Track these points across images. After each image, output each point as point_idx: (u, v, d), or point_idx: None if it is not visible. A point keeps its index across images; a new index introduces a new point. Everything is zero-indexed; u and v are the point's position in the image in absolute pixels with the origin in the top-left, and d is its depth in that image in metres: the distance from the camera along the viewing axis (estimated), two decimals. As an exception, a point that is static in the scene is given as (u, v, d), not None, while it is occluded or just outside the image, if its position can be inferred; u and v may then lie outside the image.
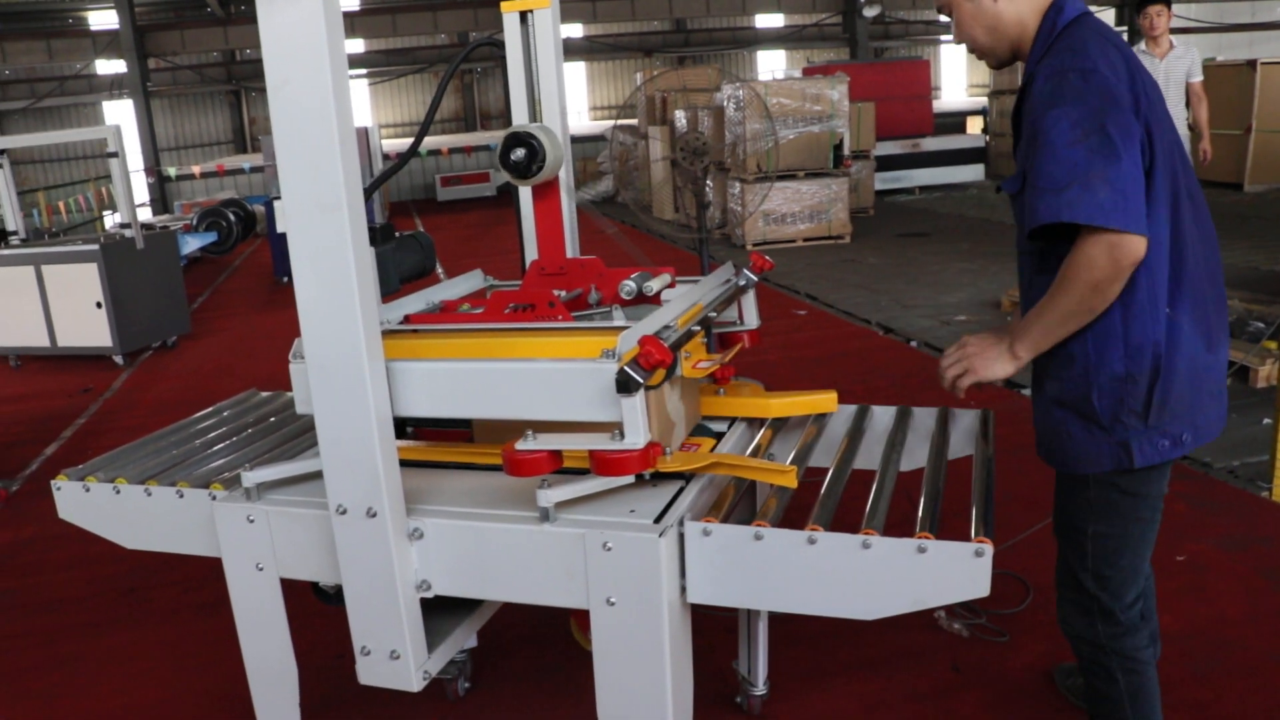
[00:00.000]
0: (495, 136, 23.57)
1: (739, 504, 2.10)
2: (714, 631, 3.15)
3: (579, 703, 3.03)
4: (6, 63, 22.81)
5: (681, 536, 1.86)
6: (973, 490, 2.07)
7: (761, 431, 2.36)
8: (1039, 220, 1.97)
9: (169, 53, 22.76)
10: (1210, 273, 2.11)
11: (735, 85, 11.82)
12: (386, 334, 1.94)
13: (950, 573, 1.77)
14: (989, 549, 1.75)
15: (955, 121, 23.29)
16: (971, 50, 2.28)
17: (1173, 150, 2.05)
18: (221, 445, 2.65)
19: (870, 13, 22.45)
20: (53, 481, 2.53)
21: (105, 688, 3.39)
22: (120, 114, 25.60)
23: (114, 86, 24.93)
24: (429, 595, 1.98)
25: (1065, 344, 2.07)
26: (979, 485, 2.10)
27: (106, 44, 22.01)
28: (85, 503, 2.49)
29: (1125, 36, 22.39)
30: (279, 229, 10.82)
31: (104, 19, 24.27)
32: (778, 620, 3.15)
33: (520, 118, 2.47)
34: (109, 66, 24.44)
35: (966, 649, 3.19)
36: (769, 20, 27.64)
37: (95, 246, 8.10)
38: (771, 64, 30.06)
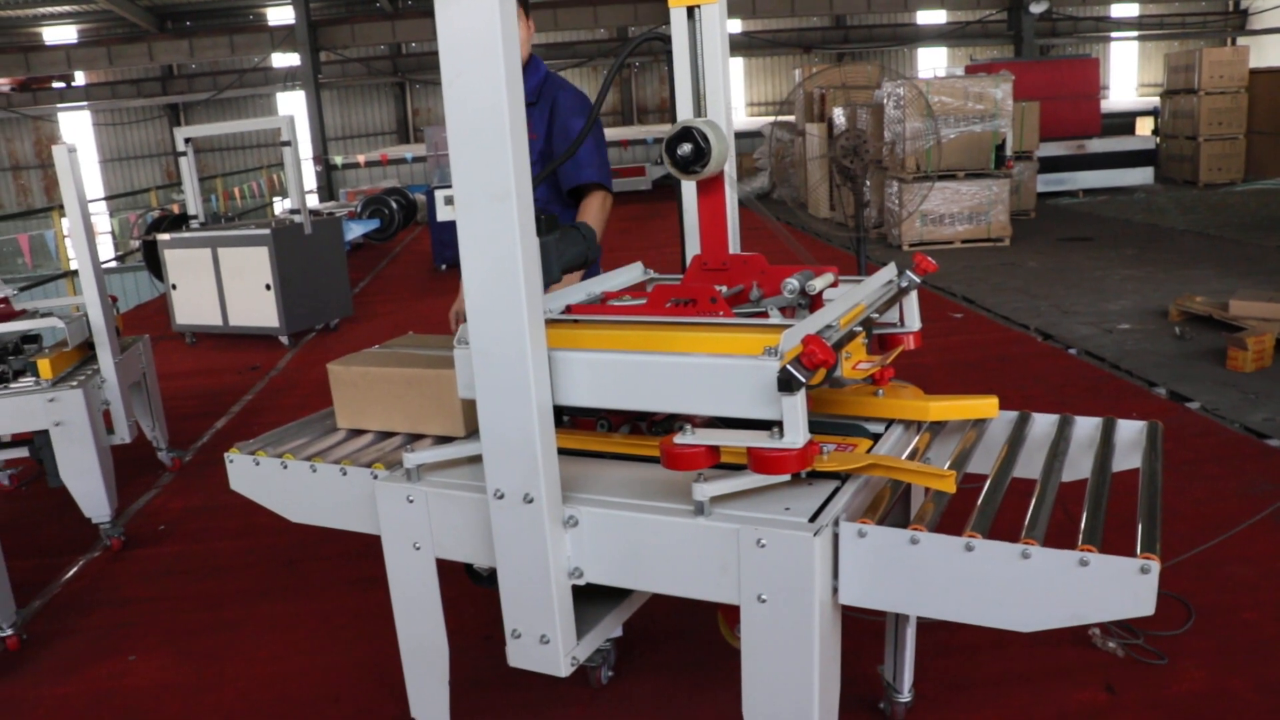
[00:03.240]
0: (652, 131, 23.71)
1: (894, 507, 2.06)
2: (860, 635, 3.10)
3: (721, 698, 3.03)
4: (194, 57, 24.04)
5: (836, 537, 1.83)
6: (1139, 505, 1.99)
7: (919, 435, 2.31)
8: (584, 179, 3.45)
9: (339, 46, 23.62)
10: None
11: (896, 83, 11.61)
12: (548, 323, 1.97)
13: (1113, 589, 1.70)
14: (1155, 566, 1.67)
15: (1124, 122, 22.39)
16: None
17: None
18: (383, 426, 2.73)
19: (1037, 9, 21.76)
20: (226, 454, 2.65)
21: (263, 653, 3.54)
22: (292, 105, 26.70)
23: (288, 79, 26.01)
24: (580, 582, 2.01)
25: None
26: (1145, 500, 2.02)
27: (283, 38, 22.98)
28: (255, 475, 2.60)
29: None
30: (440, 218, 11.16)
31: (281, 14, 25.33)
32: (926, 627, 3.09)
33: (685, 113, 2.47)
34: (283, 60, 25.50)
35: (1122, 670, 3.07)
36: (931, 17, 27.01)
37: (267, 231, 8.47)
38: (932, 61, 29.40)
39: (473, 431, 2.41)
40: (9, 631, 3.66)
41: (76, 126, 28.92)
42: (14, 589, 3.70)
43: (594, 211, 3.46)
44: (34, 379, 4.37)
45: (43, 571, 4.38)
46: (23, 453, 4.52)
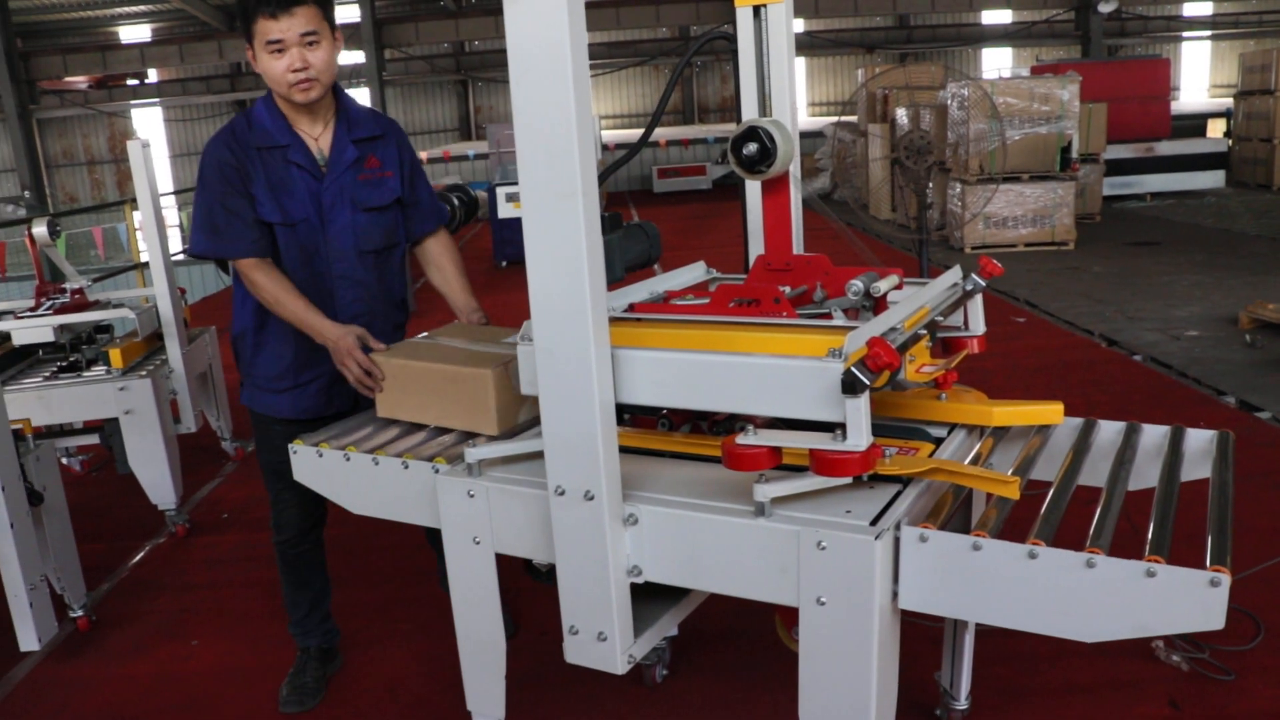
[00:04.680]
0: (713, 130, 23.69)
1: (956, 513, 2.05)
2: (917, 640, 3.08)
3: (775, 699, 3.02)
4: (261, 53, 24.43)
5: (897, 541, 1.82)
6: (1208, 516, 1.95)
7: (982, 440, 2.29)
8: (445, 217, 3.24)
9: (404, 44, 23.87)
10: None
11: (960, 83, 11.49)
12: (612, 321, 1.97)
13: (1180, 601, 1.67)
14: (1226, 579, 1.64)
15: (1194, 124, 21.92)
16: (310, 81, 2.83)
17: None
18: (445, 421, 2.75)
19: (1106, 8, 21.41)
20: (290, 445, 2.69)
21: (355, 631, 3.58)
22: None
23: (353, 75, 26.26)
24: (639, 581, 2.01)
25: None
26: (1215, 511, 1.97)
27: (348, 36, 23.24)
28: (318, 467, 2.63)
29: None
30: (501, 215, 11.26)
31: (347, 12, 25.61)
32: (984, 634, 3.05)
33: (750, 113, 2.47)
34: (349, 57, 25.79)
35: (1186, 684, 3.01)
36: (996, 16, 26.68)
37: (331, 226, 8.55)
38: (997, 62, 29.04)
39: (529, 426, 2.43)
40: (79, 612, 3.75)
41: (149, 122, 29.50)
42: (84, 571, 3.79)
43: (451, 245, 3.27)
44: (105, 368, 4.47)
45: (111, 555, 4.48)
46: (93, 439, 4.62)
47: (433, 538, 3.13)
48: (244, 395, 3.12)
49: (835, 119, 15.99)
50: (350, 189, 2.92)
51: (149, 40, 26.38)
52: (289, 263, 2.92)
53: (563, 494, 1.94)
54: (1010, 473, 2.02)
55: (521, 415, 2.54)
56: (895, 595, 1.85)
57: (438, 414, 2.61)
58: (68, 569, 3.67)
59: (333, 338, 2.77)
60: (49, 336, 4.58)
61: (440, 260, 3.22)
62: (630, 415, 2.35)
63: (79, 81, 26.43)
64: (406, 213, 3.10)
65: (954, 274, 2.37)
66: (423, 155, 22.68)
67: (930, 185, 7.98)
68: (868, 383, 1.67)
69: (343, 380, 2.83)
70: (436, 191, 16.02)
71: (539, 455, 2.00)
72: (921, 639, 3.08)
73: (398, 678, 3.32)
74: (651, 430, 2.32)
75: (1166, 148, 16.10)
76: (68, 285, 4.97)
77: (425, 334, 2.94)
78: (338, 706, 3.20)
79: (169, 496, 4.58)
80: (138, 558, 4.48)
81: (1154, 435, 2.38)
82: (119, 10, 26.31)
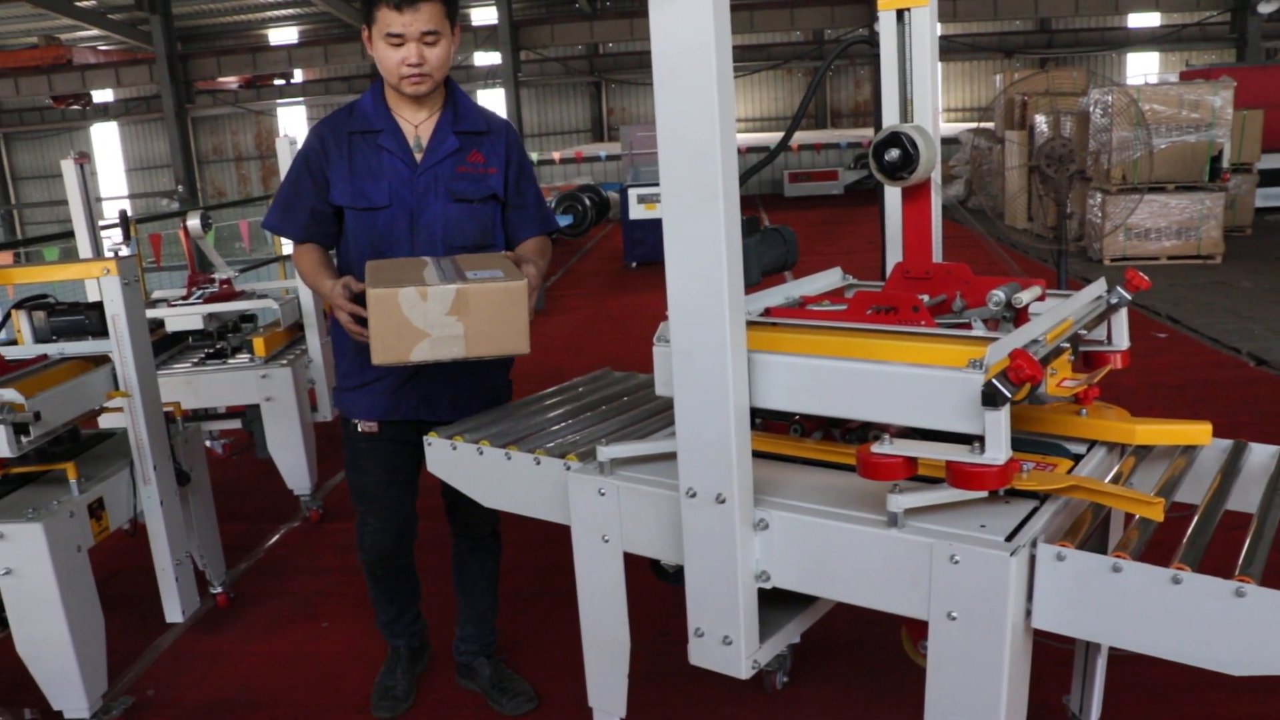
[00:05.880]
0: (845, 135, 23.41)
1: (1094, 533, 1.99)
2: (1045, 661, 2.99)
3: (897, 713, 2.98)
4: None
5: (1033, 558, 1.78)
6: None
7: (1123, 459, 2.22)
8: (553, 225, 3.13)
9: (539, 45, 24.22)
10: None
11: (1105, 89, 11.13)
12: (748, 325, 1.97)
13: (1340, 639, 1.59)
14: (1393, 620, 1.56)
15: (1361, 134, 20.81)
16: (423, 76, 2.77)
17: None
18: (575, 419, 2.79)
19: (1267, 9, 20.42)
20: (425, 437, 2.75)
21: (444, 631, 3.65)
22: (492, 101, 27.48)
23: (488, 76, 26.79)
24: (767, 586, 2.01)
25: None
26: (1381, 545, 1.88)
27: (485, 38, 23.72)
28: (451, 459, 2.69)
29: None
30: (632, 216, 11.30)
31: (484, 15, 26.10)
32: (1116, 660, 2.95)
33: (891, 117, 2.44)
34: (485, 58, 26.29)
35: (1339, 728, 2.87)
36: (1143, 20, 25.76)
37: (465, 224, 8.73)
38: (1141, 68, 28.02)
39: (667, 428, 2.43)
40: (219, 589, 3.92)
41: (293, 121, 30.56)
42: (224, 550, 3.96)
43: (545, 244, 3.06)
44: (249, 356, 4.65)
45: (249, 536, 4.66)
46: (235, 424, 4.83)
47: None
48: (333, 397, 3.10)
49: (971, 125, 15.64)
50: (446, 179, 2.85)
51: (296, 42, 27.36)
52: (359, 249, 2.86)
53: (694, 496, 1.95)
54: (1153, 493, 1.96)
55: (415, 355, 2.38)
56: (1029, 614, 1.81)
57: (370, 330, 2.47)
58: (210, 547, 3.83)
59: (326, 292, 2.75)
60: (199, 324, 4.79)
61: (527, 245, 2.99)
62: (762, 420, 2.35)
63: (230, 82, 27.54)
64: (510, 215, 2.99)
65: (1098, 286, 2.30)
66: (555, 155, 22.99)
67: (1070, 194, 7.75)
68: (1009, 395, 1.64)
69: (411, 383, 2.91)
70: (567, 192, 16.19)
71: (671, 456, 2.01)
72: (1050, 660, 2.99)
73: (519, 667, 3.38)
74: (783, 436, 2.31)
75: (1329, 158, 15.31)
76: (217, 275, 5.19)
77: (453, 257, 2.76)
78: (461, 693, 3.27)
79: (304, 482, 4.74)
80: (274, 539, 4.65)
81: (1311, 462, 2.27)
82: (269, 14, 27.36)
